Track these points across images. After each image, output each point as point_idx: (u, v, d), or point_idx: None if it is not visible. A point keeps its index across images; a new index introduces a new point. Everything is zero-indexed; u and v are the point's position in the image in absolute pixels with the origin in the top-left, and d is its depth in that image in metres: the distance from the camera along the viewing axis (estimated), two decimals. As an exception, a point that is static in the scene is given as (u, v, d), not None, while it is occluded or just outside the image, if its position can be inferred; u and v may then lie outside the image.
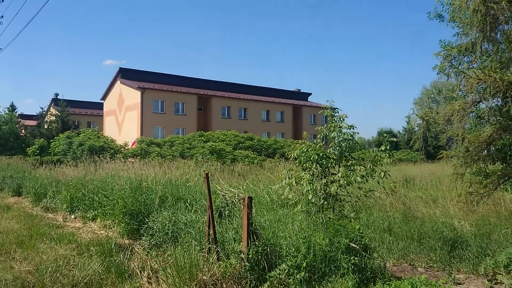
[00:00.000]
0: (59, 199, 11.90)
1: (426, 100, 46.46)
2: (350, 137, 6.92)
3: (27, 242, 7.62)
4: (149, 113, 37.13)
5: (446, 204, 9.07)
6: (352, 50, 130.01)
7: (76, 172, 14.56)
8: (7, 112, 41.83)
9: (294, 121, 49.16)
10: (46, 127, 40.25)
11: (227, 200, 7.36)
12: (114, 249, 6.53)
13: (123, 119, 40.22)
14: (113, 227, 8.66)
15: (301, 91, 55.80)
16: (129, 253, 6.49)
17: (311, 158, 6.63)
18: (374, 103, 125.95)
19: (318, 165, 6.62)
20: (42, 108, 45.81)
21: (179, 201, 8.48)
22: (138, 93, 36.89)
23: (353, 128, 6.98)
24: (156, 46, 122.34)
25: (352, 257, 5.14)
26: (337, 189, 6.38)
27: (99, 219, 9.59)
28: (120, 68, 41.45)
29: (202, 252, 5.59)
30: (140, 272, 5.66)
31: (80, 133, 27.14)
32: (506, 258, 5.26)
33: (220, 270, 5.14)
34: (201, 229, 6.37)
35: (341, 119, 7.03)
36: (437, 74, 7.33)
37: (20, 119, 41.80)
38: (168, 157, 21.98)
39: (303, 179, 6.65)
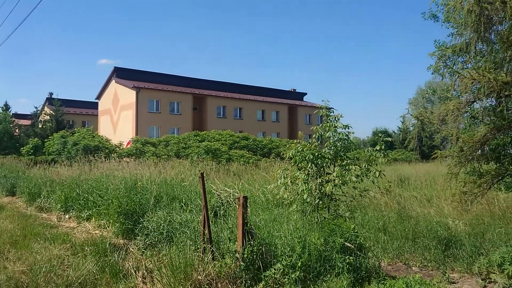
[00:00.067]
0: (53, 199, 11.81)
1: (420, 100, 46.70)
2: (345, 137, 6.94)
3: (21, 242, 7.56)
4: (144, 113, 36.99)
5: (441, 204, 9.13)
6: (349, 50, 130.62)
7: (71, 171, 14.46)
8: (1, 111, 41.44)
9: (289, 121, 49.22)
10: (40, 126, 39.98)
11: (222, 200, 7.34)
12: (108, 249, 6.50)
13: (118, 119, 40.05)
14: (108, 227, 8.62)
15: (296, 90, 55.92)
16: (124, 253, 6.45)
17: (306, 158, 6.65)
18: (369, 103, 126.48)
19: (313, 164, 6.64)
20: (36, 108, 45.37)
21: (174, 200, 8.46)
22: (133, 93, 36.75)
23: (348, 128, 7.01)
24: (154, 46, 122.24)
25: (347, 257, 5.16)
26: (332, 188, 6.41)
27: (93, 219, 9.53)
28: (115, 67, 41.36)
29: (197, 252, 5.59)
30: (135, 272, 5.64)
31: (75, 133, 27.02)
32: (499, 257, 5.29)
33: (215, 270, 5.14)
34: (196, 228, 6.36)
35: (336, 119, 7.06)
36: (432, 74, 7.36)
37: (14, 119, 41.44)
38: (163, 156, 21.94)
39: (298, 178, 6.66)
